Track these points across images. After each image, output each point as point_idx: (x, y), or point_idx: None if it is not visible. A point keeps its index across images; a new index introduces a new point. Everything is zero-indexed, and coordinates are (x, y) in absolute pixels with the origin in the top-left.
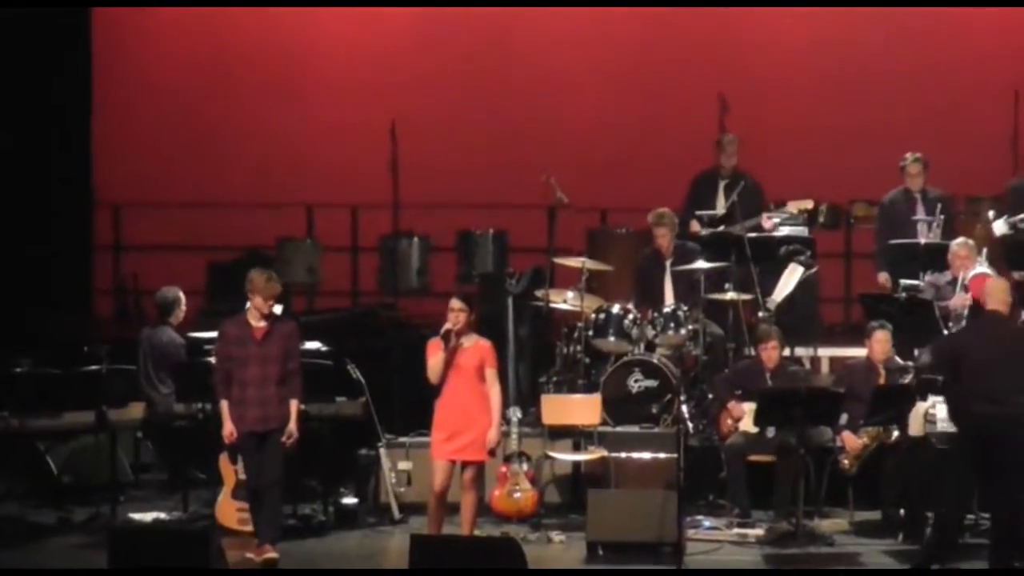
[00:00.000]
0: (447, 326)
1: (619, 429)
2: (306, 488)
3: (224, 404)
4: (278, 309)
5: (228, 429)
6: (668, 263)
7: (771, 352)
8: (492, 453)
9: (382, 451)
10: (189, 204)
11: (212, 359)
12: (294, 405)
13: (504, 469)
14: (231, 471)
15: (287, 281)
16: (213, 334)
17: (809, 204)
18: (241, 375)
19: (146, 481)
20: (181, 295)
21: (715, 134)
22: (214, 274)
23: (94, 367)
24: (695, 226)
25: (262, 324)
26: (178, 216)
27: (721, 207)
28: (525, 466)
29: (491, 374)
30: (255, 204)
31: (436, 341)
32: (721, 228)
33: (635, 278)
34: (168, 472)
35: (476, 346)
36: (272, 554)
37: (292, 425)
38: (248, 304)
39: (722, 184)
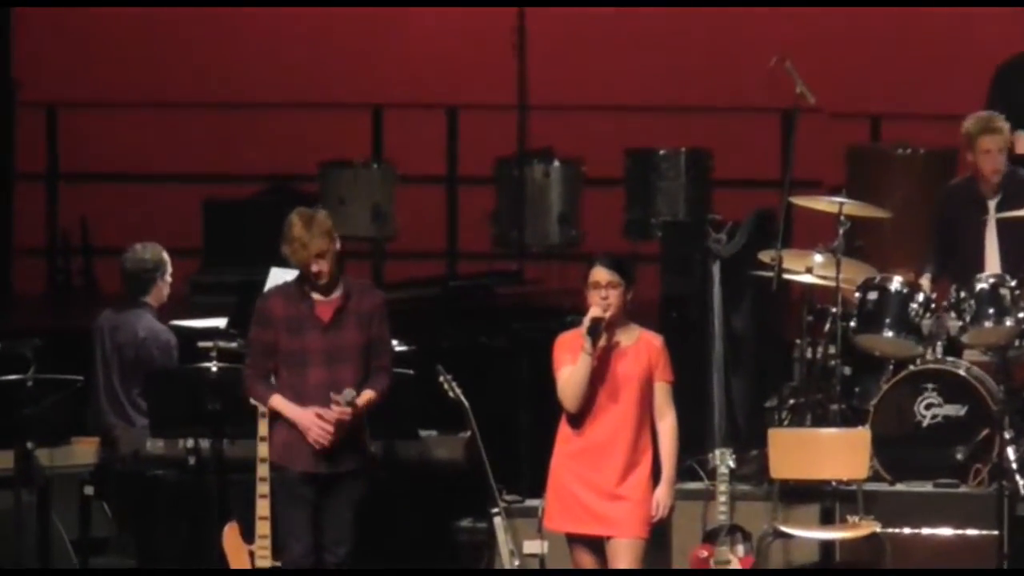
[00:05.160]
0: (594, 312)
1: (900, 487)
2: None
3: (276, 397)
4: None
5: (303, 415)
6: (994, 203)
7: None
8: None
9: (498, 522)
10: (173, 104)
11: (208, 358)
12: (368, 393)
13: (704, 553)
14: (243, 551)
15: (340, 233)
16: (213, 322)
17: None
18: (296, 381)
19: (100, 568)
20: (165, 256)
21: None
22: (215, 220)
23: (13, 377)
24: (1022, 144)
25: (329, 297)
26: (154, 124)
27: None
28: (740, 548)
29: (663, 391)
30: (285, 104)
31: (570, 337)
32: None
33: (932, 229)
34: (136, 553)
35: (640, 344)
36: None
37: (360, 399)
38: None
39: None
